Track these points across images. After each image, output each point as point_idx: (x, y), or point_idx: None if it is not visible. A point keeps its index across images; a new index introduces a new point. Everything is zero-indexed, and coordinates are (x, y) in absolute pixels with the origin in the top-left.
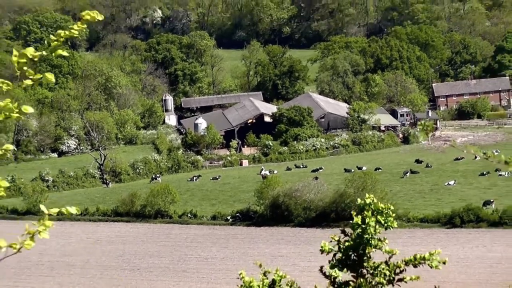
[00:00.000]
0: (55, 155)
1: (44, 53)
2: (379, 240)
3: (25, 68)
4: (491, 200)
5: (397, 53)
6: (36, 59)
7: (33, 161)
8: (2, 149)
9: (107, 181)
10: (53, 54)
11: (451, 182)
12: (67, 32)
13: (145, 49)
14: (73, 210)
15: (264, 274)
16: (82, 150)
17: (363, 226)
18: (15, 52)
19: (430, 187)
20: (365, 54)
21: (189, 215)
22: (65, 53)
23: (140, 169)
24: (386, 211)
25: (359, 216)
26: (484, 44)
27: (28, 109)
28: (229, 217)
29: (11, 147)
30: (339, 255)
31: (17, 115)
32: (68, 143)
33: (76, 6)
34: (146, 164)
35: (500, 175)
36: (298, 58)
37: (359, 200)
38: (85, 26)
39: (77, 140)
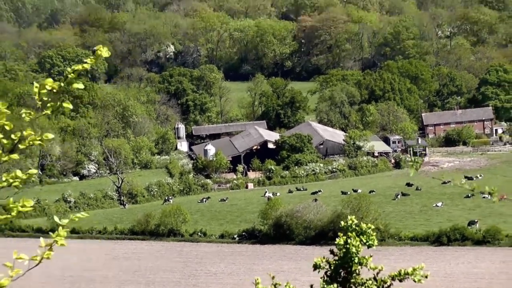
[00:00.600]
0: (76, 178)
1: (62, 84)
2: (363, 257)
3: (44, 98)
4: (475, 220)
5: (390, 85)
6: (55, 90)
7: (56, 184)
8: (26, 173)
9: (124, 203)
10: (71, 87)
11: (439, 204)
12: (80, 67)
13: (159, 81)
14: (83, 214)
15: (275, 286)
16: (101, 174)
17: (347, 246)
18: (36, 84)
19: (419, 208)
20: (360, 86)
21: (199, 233)
22: (80, 86)
23: (155, 191)
24: (368, 230)
25: (343, 237)
26: (469, 77)
27: (49, 136)
28: (236, 236)
29: (35, 171)
30: (329, 272)
31: (40, 142)
32: (88, 167)
33: (95, 41)
34: (160, 187)
35: (484, 197)
36: (299, 90)
37: (342, 223)
38: (95, 60)
39: (96, 165)
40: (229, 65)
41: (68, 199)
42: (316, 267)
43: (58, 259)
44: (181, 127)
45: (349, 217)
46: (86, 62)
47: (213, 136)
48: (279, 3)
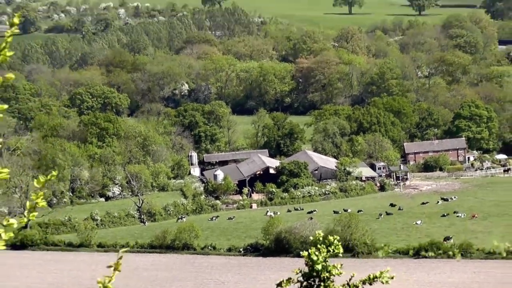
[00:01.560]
0: (102, 199)
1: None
2: (333, 265)
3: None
4: (450, 236)
5: (376, 119)
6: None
7: (85, 204)
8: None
9: (144, 220)
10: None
11: (418, 222)
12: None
13: (174, 115)
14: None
15: None
16: (124, 195)
17: (312, 257)
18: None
19: (401, 226)
20: (350, 120)
21: (209, 247)
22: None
23: (171, 211)
24: (334, 241)
25: (308, 250)
26: (445, 112)
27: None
28: (241, 249)
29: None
30: (304, 283)
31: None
32: (113, 190)
33: (120, 80)
34: (175, 207)
35: (458, 216)
36: (297, 123)
37: (311, 238)
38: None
39: (120, 188)
40: (236, 101)
41: (95, 218)
42: (279, 285)
43: (87, 269)
44: (194, 155)
45: (316, 232)
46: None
47: (222, 163)
48: (280, 47)
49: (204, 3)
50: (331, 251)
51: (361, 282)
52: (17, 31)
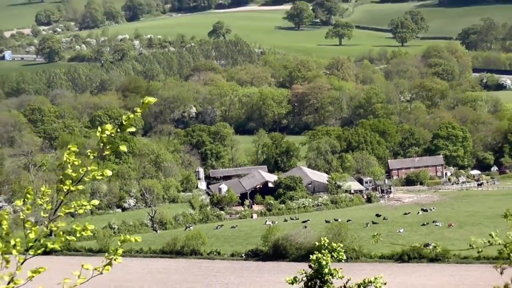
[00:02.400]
0: (119, 210)
1: (118, 130)
2: (334, 269)
3: (105, 140)
4: (429, 243)
5: (363, 138)
6: (113, 135)
7: (103, 215)
8: (91, 203)
9: (156, 229)
10: (125, 131)
11: (401, 230)
12: (132, 115)
13: (183, 135)
14: (137, 238)
15: None
16: (138, 206)
17: (319, 260)
18: (99, 129)
19: (386, 233)
20: (340, 139)
21: (214, 253)
22: (132, 129)
23: (180, 220)
24: (337, 248)
25: (315, 254)
26: (425, 132)
27: (108, 172)
28: (243, 255)
29: (96, 202)
30: (307, 283)
31: (101, 177)
32: (128, 201)
33: (135, 104)
34: (184, 216)
35: (436, 225)
36: (293, 142)
37: (317, 243)
38: (145, 108)
39: (135, 200)
40: (238, 122)
41: (113, 226)
42: (291, 283)
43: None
44: (201, 170)
45: (322, 238)
46: (136, 111)
47: (226, 178)
48: (277, 75)
49: (210, 35)
50: (335, 256)
51: (357, 286)
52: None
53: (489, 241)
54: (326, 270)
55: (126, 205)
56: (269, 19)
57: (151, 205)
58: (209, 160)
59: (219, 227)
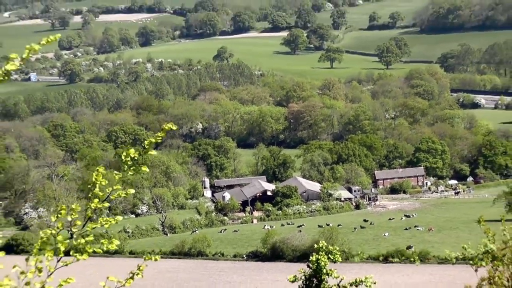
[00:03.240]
0: (133, 216)
1: (140, 153)
2: (330, 270)
3: (129, 163)
4: (411, 246)
5: (352, 152)
6: (136, 157)
7: (123, 220)
8: (115, 220)
9: (166, 232)
10: (146, 154)
11: (386, 234)
12: (153, 139)
13: (191, 148)
14: (156, 257)
15: None
16: (150, 212)
17: (318, 261)
18: (124, 153)
19: (372, 237)
20: (331, 152)
21: (218, 254)
22: (153, 153)
23: (188, 225)
24: (334, 250)
25: (314, 255)
26: (408, 146)
27: (131, 191)
28: (244, 256)
29: (120, 218)
30: (305, 282)
31: (125, 195)
32: (141, 208)
33: (147, 121)
34: (191, 221)
35: (418, 229)
36: (289, 155)
37: (315, 245)
38: (164, 134)
39: (147, 206)
40: (240, 137)
41: (127, 230)
42: (293, 281)
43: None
44: (206, 180)
45: (320, 242)
46: (158, 136)
47: (229, 187)
48: (275, 94)
49: (215, 59)
50: (331, 258)
51: (349, 284)
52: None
53: (462, 253)
54: (324, 271)
55: (139, 211)
56: (268, 44)
57: (162, 211)
58: (214, 171)
59: (222, 231)
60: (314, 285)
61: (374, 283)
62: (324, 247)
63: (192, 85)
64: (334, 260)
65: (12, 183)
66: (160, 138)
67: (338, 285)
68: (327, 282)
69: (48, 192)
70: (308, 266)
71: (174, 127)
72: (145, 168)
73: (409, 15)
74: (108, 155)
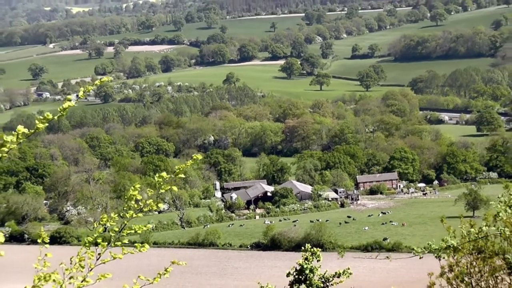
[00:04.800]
0: (156, 212)
1: (172, 175)
2: (315, 267)
3: (161, 184)
4: (387, 238)
5: (338, 160)
6: (166, 178)
7: (145, 216)
8: (147, 227)
9: (184, 226)
10: (177, 177)
11: (366, 228)
12: (183, 166)
13: (204, 157)
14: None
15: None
16: (171, 210)
17: (306, 262)
18: (156, 175)
19: (355, 230)
20: (321, 160)
21: (227, 244)
22: (182, 176)
23: (201, 220)
24: (317, 253)
25: (302, 259)
26: (384, 155)
27: (162, 205)
28: (248, 246)
29: (150, 226)
30: (296, 276)
31: (156, 208)
32: (163, 207)
33: (168, 134)
34: (204, 217)
35: (392, 224)
36: (285, 162)
37: (302, 248)
38: (193, 162)
39: (168, 205)
40: (245, 148)
41: (151, 225)
42: (287, 275)
43: (147, 259)
44: (217, 183)
45: (307, 245)
46: (186, 164)
47: (236, 189)
48: (274, 112)
49: (224, 83)
50: (315, 258)
51: (331, 276)
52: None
53: (425, 247)
54: (307, 271)
55: (161, 208)
56: (268, 71)
57: (180, 209)
58: (223, 176)
59: (230, 225)
60: (303, 278)
61: (351, 273)
62: (308, 250)
63: (205, 105)
64: (317, 259)
65: (56, 185)
66: (190, 165)
67: (322, 276)
68: (313, 276)
69: (86, 193)
70: (299, 264)
71: (200, 157)
72: (175, 188)
73: (385, 47)
74: (135, 162)
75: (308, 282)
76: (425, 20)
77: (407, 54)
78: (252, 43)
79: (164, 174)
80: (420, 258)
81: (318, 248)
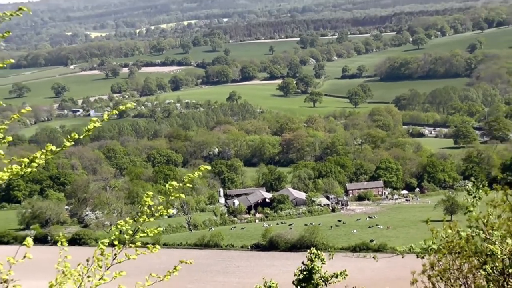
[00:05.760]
0: (166, 217)
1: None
2: (318, 267)
3: (171, 191)
4: (373, 239)
5: (329, 169)
6: (176, 186)
7: (155, 220)
8: (158, 229)
9: (191, 229)
10: (185, 186)
11: (355, 231)
12: (191, 176)
13: (209, 167)
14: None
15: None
16: (179, 214)
17: (311, 263)
18: (167, 184)
19: (344, 233)
20: (314, 170)
21: (230, 245)
22: (190, 185)
23: (207, 223)
24: (322, 256)
25: (308, 260)
26: (371, 165)
27: (171, 211)
28: (249, 246)
29: (161, 229)
30: (301, 276)
31: (166, 213)
32: (172, 212)
33: (177, 146)
34: (209, 221)
35: (378, 227)
36: (283, 171)
37: (308, 250)
38: (199, 173)
39: (177, 210)
40: (246, 158)
41: (162, 228)
42: (295, 275)
43: (158, 258)
44: (221, 190)
45: (312, 249)
46: (194, 173)
47: (238, 195)
48: (272, 126)
49: (227, 100)
50: (320, 260)
51: (330, 276)
52: None
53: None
54: (315, 268)
55: (171, 213)
56: (266, 89)
57: (188, 213)
58: (227, 184)
59: (233, 228)
60: (307, 277)
61: (347, 275)
62: (314, 253)
63: (210, 120)
64: (322, 262)
65: (76, 192)
66: (197, 176)
67: (322, 276)
68: (315, 274)
69: (103, 199)
70: (303, 263)
71: (207, 168)
72: (182, 195)
73: (371, 68)
74: (147, 172)
75: (312, 282)
76: (407, 44)
77: (392, 75)
78: (252, 64)
79: (174, 183)
80: (402, 257)
81: (322, 253)
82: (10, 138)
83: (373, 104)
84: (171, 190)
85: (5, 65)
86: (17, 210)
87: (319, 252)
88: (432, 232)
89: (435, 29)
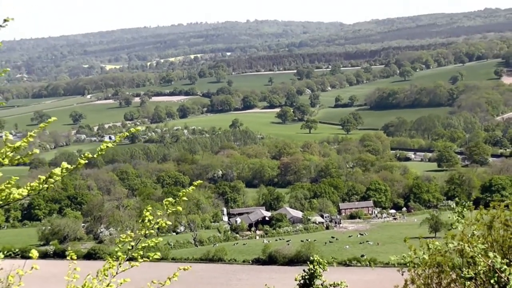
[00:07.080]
0: (174, 233)
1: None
2: (319, 274)
3: (168, 206)
4: (364, 254)
5: (324, 190)
6: (172, 202)
7: (164, 236)
8: (159, 240)
9: (197, 245)
10: (180, 199)
11: (347, 246)
12: (186, 191)
13: (214, 188)
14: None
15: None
16: (186, 231)
17: (312, 270)
18: (165, 200)
19: (337, 248)
20: (310, 190)
21: (232, 260)
22: (184, 198)
23: (211, 239)
24: (323, 262)
25: (310, 265)
26: (362, 187)
27: (169, 222)
28: (250, 261)
29: (161, 239)
30: (302, 281)
31: (166, 226)
32: (180, 228)
33: (184, 169)
34: (214, 237)
35: (369, 243)
36: (281, 192)
37: (311, 258)
38: (194, 188)
39: (184, 227)
40: (247, 180)
41: (170, 243)
42: (296, 280)
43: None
44: (224, 209)
45: (315, 255)
46: (189, 188)
47: (240, 214)
48: (271, 151)
49: (230, 127)
50: (322, 268)
51: (330, 285)
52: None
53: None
54: (316, 275)
55: (178, 230)
56: (266, 117)
57: (194, 230)
58: (230, 203)
59: (235, 244)
60: (308, 283)
61: (347, 286)
62: (316, 260)
63: (214, 145)
64: (324, 269)
65: (92, 211)
66: (191, 190)
67: (322, 284)
68: (314, 283)
69: (116, 217)
70: (304, 271)
71: (202, 182)
72: (179, 208)
73: (362, 97)
74: (157, 192)
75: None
76: (395, 76)
77: (380, 104)
78: (253, 94)
79: (170, 199)
80: (394, 265)
81: (324, 260)
82: (37, 151)
83: (363, 131)
84: (168, 205)
85: (3, 74)
86: (37, 227)
87: (320, 259)
88: (410, 249)
89: (420, 62)
